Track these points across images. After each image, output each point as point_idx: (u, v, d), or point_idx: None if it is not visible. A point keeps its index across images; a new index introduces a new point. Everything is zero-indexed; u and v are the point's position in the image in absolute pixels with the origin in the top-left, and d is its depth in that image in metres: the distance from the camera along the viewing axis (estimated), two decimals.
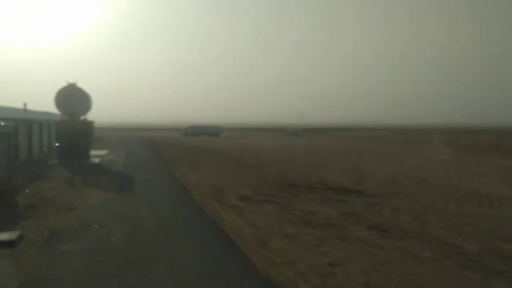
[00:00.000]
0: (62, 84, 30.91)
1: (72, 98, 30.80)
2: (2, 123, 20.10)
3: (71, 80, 31.11)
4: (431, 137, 78.89)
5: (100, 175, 25.09)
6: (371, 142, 78.69)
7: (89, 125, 33.28)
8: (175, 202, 18.39)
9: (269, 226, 13.77)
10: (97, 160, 32.99)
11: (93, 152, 41.11)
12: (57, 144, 31.35)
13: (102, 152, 42.14)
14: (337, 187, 22.55)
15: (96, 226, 13.20)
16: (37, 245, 10.99)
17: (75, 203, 16.86)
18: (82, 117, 33.36)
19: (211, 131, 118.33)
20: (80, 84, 31.81)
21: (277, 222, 14.38)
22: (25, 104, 44.48)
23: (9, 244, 10.64)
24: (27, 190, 19.07)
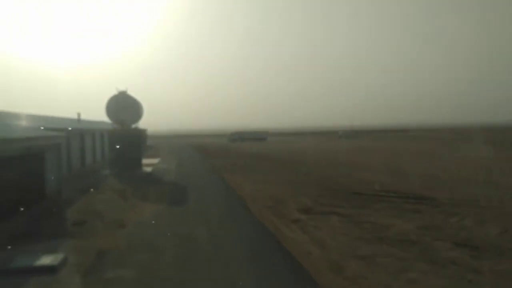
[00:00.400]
0: (113, 92, 30.46)
1: (123, 106, 30.23)
2: (52, 134, 19.41)
3: (122, 87, 30.62)
4: (486, 136, 74.01)
5: (152, 186, 24.12)
6: (428, 143, 74.68)
7: (140, 133, 32.67)
8: (232, 216, 16.83)
9: (339, 245, 11.93)
10: (149, 169, 32.28)
11: (145, 161, 40.65)
12: (109, 154, 30.82)
13: (154, 161, 41.63)
14: (405, 194, 20.42)
15: (147, 247, 11.87)
16: (81, 271, 9.74)
17: (125, 218, 15.71)
18: (133, 126, 32.80)
19: (257, 136, 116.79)
20: (130, 92, 31.27)
21: (347, 239, 12.53)
22: (79, 114, 44.67)
23: (51, 269, 9.50)
24: (77, 204, 18.24)
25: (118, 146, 30.05)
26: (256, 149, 65.05)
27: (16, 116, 26.41)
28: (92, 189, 22.21)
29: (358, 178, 26.82)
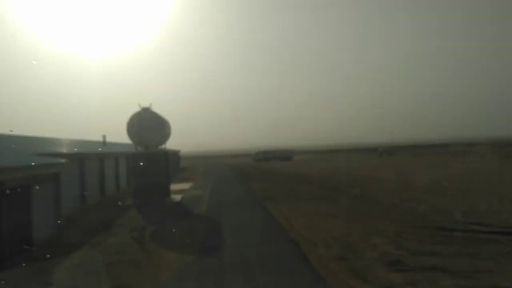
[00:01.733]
0: (135, 109, 25.85)
1: (147, 125, 25.59)
2: (47, 161, 14.70)
3: (145, 103, 25.98)
4: None
5: (179, 223, 19.13)
6: (477, 159, 67.28)
7: (167, 156, 27.92)
8: (288, 277, 11.46)
9: None
10: (178, 198, 27.36)
11: (176, 186, 35.92)
12: (131, 181, 26.16)
13: (186, 186, 36.81)
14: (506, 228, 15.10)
15: None
16: None
17: (138, 279, 10.72)
18: (160, 147, 28.11)
19: (283, 155, 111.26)
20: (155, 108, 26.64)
21: None
22: (104, 137, 40.42)
23: None
24: (74, 254, 13.34)
25: (141, 171, 25.33)
26: (292, 170, 59.50)
27: (20, 139, 22.11)
28: (103, 228, 17.38)
29: (426, 203, 21.40)
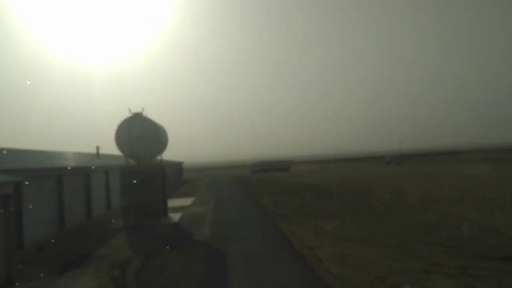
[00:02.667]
0: (124, 115, 21.95)
1: (139, 133, 21.69)
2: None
3: (136, 108, 22.09)
4: None
5: (174, 254, 15.09)
6: (492, 165, 62.95)
7: (164, 169, 24.00)
8: None
9: None
10: (176, 218, 23.33)
11: (175, 203, 31.95)
12: (121, 199, 22.18)
13: (187, 202, 32.76)
14: None
15: None
16: None
17: None
18: (157, 158, 24.20)
19: (281, 166, 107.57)
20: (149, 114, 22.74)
21: None
22: (97, 148, 36.72)
23: None
24: None
25: (132, 188, 21.41)
26: (299, 180, 55.43)
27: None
28: (76, 262, 13.42)
29: (466, 220, 17.58)
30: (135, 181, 21.45)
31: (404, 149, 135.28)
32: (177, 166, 79.87)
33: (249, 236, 17.75)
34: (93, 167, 24.64)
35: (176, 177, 75.33)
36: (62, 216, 19.66)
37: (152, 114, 22.94)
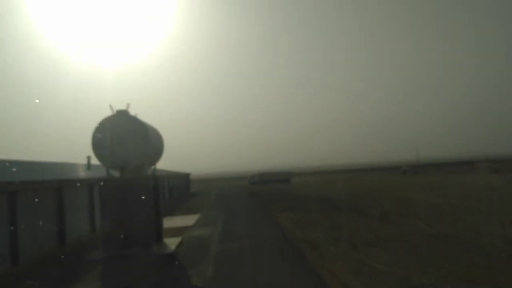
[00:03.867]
0: (105, 114, 16.66)
1: (123, 136, 16.40)
2: None
3: (120, 105, 16.80)
4: None
5: None
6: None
7: (157, 183, 18.63)
8: None
9: None
10: (173, 244, 17.86)
11: (176, 221, 26.60)
12: (101, 222, 16.78)
13: (190, 221, 27.30)
14: None
15: None
16: None
17: None
18: (149, 169, 18.83)
19: (281, 178, 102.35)
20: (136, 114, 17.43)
21: None
22: (89, 158, 31.44)
23: None
24: None
25: (114, 208, 16.08)
26: (315, 193, 49.66)
27: None
28: None
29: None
30: (117, 198, 16.11)
31: (420, 159, 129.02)
32: (184, 178, 74.54)
33: (268, 282, 12.17)
34: (69, 180, 19.34)
35: (182, 190, 69.98)
36: (14, 245, 14.34)
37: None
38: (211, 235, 20.82)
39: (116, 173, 16.95)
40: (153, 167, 19.15)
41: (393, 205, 32.40)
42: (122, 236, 16.12)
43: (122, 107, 16.94)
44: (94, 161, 17.02)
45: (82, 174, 23.71)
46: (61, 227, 18.20)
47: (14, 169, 18.44)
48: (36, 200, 16.22)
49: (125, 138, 16.40)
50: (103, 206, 16.49)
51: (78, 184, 20.46)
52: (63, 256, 16.92)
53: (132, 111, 17.11)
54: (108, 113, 16.65)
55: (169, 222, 26.66)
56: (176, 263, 15.08)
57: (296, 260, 14.49)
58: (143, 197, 16.49)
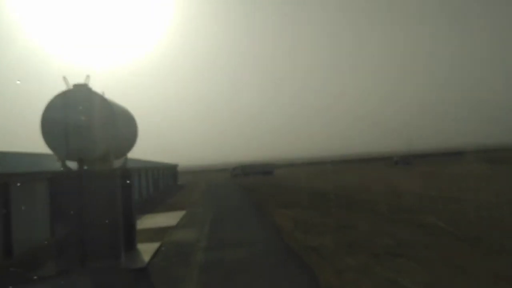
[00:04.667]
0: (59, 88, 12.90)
1: (82, 117, 12.70)
2: None
3: (75, 77, 13.01)
4: None
5: None
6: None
7: (130, 177, 14.97)
8: None
9: None
10: (148, 253, 14.25)
11: (157, 220, 23.07)
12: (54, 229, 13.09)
13: (173, 219, 23.62)
14: None
15: None
16: None
17: None
18: (117, 160, 15.12)
19: (263, 170, 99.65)
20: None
21: None
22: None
23: None
24: None
25: (69, 210, 12.38)
26: (309, 185, 46.27)
27: None
28: None
29: None
30: (74, 198, 12.42)
31: (414, 149, 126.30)
32: (171, 169, 70.56)
33: None
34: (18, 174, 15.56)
35: (169, 182, 66.08)
36: None
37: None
38: (197, 239, 17.18)
39: (73, 165, 13.22)
40: (124, 158, 15.46)
41: (396, 199, 29.31)
42: (80, 245, 12.46)
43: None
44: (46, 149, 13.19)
45: (38, 166, 19.89)
46: (7, 235, 14.44)
47: None
48: None
49: (84, 120, 12.67)
50: (56, 208, 12.79)
51: (30, 179, 16.61)
52: (3, 274, 13.20)
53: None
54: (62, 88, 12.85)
55: (148, 221, 23.05)
56: (150, 282, 11.47)
57: (303, 280, 10.95)
58: (107, 195, 12.81)
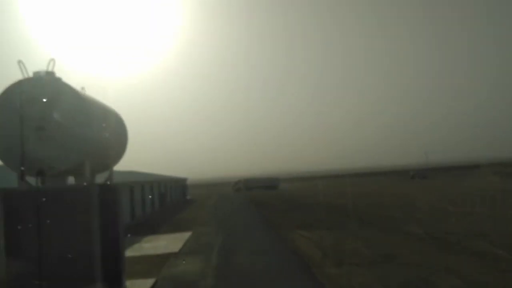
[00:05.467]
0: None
1: (46, 115, 9.40)
2: None
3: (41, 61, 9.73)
4: None
5: None
6: None
7: (116, 195, 11.61)
8: None
9: None
10: None
11: (158, 244, 19.67)
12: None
13: (175, 245, 20.02)
14: None
15: None
16: None
17: None
18: (97, 174, 11.72)
19: (267, 184, 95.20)
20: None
21: None
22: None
23: None
24: None
25: (28, 238, 8.98)
26: (327, 200, 42.48)
27: None
28: None
29: None
30: (32, 223, 9.04)
31: (430, 162, 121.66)
32: (179, 183, 67.04)
33: None
34: None
35: (177, 197, 62.62)
36: None
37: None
38: (202, 274, 13.54)
39: (31, 181, 9.79)
40: (109, 172, 12.03)
41: (428, 217, 25.97)
42: (39, 284, 9.04)
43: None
44: None
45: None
46: None
47: None
48: None
49: (48, 119, 9.30)
50: (8, 236, 9.37)
51: None
52: None
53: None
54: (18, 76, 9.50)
55: (147, 246, 19.57)
56: None
57: None
58: (78, 219, 9.38)
